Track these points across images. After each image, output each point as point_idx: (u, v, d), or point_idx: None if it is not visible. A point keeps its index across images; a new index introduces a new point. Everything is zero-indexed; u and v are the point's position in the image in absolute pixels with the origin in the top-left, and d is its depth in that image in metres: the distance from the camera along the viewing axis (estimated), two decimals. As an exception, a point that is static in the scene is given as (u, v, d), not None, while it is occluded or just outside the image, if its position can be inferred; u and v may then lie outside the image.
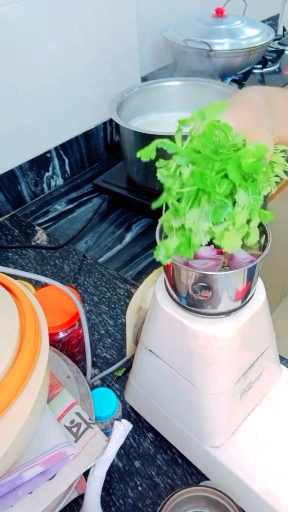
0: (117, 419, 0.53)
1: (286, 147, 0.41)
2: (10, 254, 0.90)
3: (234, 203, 0.34)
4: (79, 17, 0.97)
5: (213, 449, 0.51)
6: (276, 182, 0.39)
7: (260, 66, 1.38)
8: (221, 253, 0.42)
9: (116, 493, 0.54)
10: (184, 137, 0.38)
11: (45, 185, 1.07)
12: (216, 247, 0.41)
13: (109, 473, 0.55)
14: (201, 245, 0.36)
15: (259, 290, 0.47)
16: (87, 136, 1.12)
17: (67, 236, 0.94)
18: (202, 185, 0.33)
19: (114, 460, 0.57)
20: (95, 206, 1.01)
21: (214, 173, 0.33)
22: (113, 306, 0.77)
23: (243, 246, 0.38)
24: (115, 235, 0.93)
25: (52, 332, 0.58)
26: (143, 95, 0.97)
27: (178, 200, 0.35)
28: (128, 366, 0.67)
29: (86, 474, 0.44)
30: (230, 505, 0.44)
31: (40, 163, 1.03)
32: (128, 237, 0.92)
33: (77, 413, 0.47)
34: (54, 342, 0.59)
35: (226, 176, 0.33)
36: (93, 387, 0.62)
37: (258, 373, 0.51)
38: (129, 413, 0.62)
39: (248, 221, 0.35)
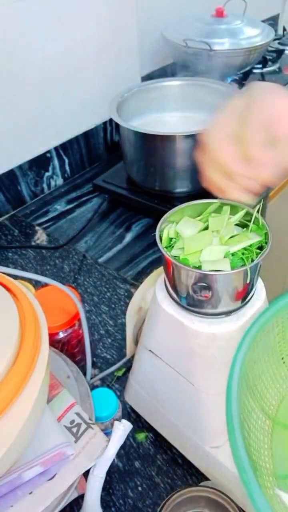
0: (117, 419, 0.53)
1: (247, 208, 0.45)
2: (10, 254, 0.90)
3: None
4: (79, 17, 0.97)
5: (213, 449, 0.51)
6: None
7: (260, 66, 1.38)
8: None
9: (116, 493, 0.54)
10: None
11: (45, 185, 1.07)
12: None
13: (109, 473, 0.55)
14: None
15: (259, 290, 0.47)
16: (87, 136, 1.12)
17: (67, 236, 0.93)
18: None
19: (114, 460, 0.57)
20: (95, 206, 1.01)
21: None
22: (113, 306, 0.77)
23: None
24: (115, 235, 0.93)
25: (52, 332, 0.58)
26: (143, 95, 0.97)
27: None
28: (128, 366, 0.67)
29: (86, 474, 0.44)
30: (230, 505, 0.44)
31: (40, 163, 1.03)
32: (128, 237, 0.92)
33: (77, 413, 0.47)
34: (54, 342, 0.59)
35: None
36: (93, 387, 0.62)
37: (258, 373, 0.51)
38: (129, 413, 0.62)
39: None
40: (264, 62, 1.38)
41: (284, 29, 1.64)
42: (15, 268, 0.84)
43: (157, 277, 0.50)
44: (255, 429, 0.41)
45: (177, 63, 1.22)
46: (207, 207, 0.47)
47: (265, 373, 0.44)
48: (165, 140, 0.83)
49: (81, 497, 0.46)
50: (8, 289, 0.46)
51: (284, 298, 0.43)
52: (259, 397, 0.43)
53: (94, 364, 0.68)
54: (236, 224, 0.46)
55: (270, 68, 1.40)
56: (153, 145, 0.85)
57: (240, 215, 0.45)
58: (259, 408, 0.43)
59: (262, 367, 0.44)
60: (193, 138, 0.82)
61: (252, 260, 0.42)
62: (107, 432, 0.50)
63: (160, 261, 0.45)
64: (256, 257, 0.41)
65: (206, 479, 0.54)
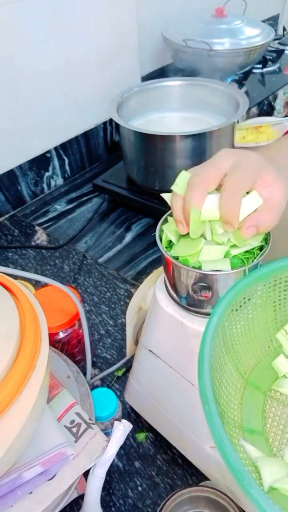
0: (117, 419, 0.53)
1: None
2: (10, 254, 0.90)
3: None
4: (79, 17, 0.97)
5: (213, 449, 0.51)
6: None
7: (260, 66, 1.38)
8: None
9: (116, 493, 0.54)
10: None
11: (45, 185, 1.07)
12: None
13: (109, 473, 0.55)
14: None
15: (259, 290, 0.47)
16: (87, 136, 1.12)
17: (67, 236, 0.94)
18: None
19: (114, 460, 0.57)
20: (95, 206, 1.01)
21: None
22: (113, 306, 0.77)
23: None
24: (115, 235, 0.93)
25: (52, 332, 0.58)
26: (143, 95, 0.97)
27: None
28: (128, 366, 0.67)
29: (86, 474, 0.44)
30: (230, 505, 0.44)
31: (40, 163, 1.03)
32: (128, 237, 0.92)
33: (77, 413, 0.47)
34: (54, 342, 0.59)
35: None
36: (93, 387, 0.62)
37: (258, 373, 0.51)
38: (129, 413, 0.62)
39: None
40: (264, 62, 1.38)
41: (284, 29, 1.64)
42: (15, 268, 0.84)
43: (157, 277, 0.50)
44: (227, 384, 0.42)
45: (177, 63, 1.22)
46: None
47: (244, 335, 0.44)
48: (165, 140, 0.83)
49: (81, 497, 0.46)
50: (8, 289, 0.46)
51: (267, 266, 0.43)
52: (234, 356, 0.44)
53: (94, 364, 0.68)
54: None
55: (270, 68, 1.40)
56: (153, 145, 0.85)
57: None
58: (233, 366, 0.43)
59: (241, 329, 0.44)
60: (193, 138, 0.82)
61: (252, 260, 0.41)
62: (107, 432, 0.50)
63: (160, 261, 0.45)
64: (256, 257, 0.41)
65: (206, 479, 0.54)
